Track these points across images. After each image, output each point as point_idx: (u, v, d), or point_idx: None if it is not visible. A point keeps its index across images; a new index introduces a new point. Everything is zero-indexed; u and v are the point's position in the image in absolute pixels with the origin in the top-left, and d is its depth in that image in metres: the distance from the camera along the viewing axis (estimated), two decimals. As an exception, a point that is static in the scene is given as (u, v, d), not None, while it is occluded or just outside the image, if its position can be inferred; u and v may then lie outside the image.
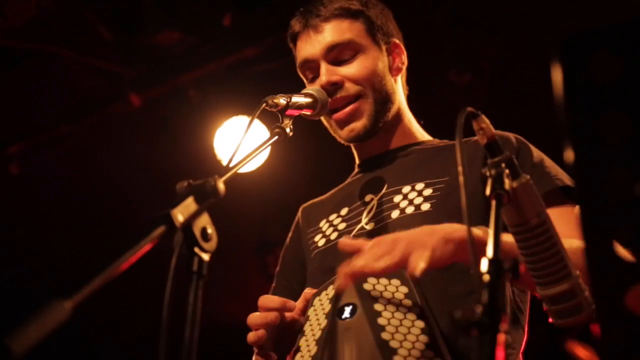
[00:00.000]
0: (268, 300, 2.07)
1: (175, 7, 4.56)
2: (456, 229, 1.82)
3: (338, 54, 2.38)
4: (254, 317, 2.05)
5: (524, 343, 2.20)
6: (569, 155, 1.14)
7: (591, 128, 1.13)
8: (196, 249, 1.51)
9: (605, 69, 1.12)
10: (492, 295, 1.30)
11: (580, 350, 5.40)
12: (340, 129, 2.40)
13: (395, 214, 2.24)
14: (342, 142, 2.47)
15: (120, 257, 1.38)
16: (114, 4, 4.61)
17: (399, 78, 2.51)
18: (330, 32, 2.39)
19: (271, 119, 2.10)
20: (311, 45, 2.41)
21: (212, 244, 1.53)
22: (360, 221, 2.31)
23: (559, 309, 1.64)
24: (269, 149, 2.06)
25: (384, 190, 2.34)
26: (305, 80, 2.49)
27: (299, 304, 2.08)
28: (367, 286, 1.93)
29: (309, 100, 2.23)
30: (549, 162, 2.23)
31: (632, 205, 1.11)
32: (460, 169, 1.52)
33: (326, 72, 2.36)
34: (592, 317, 1.63)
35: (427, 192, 2.25)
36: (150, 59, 4.82)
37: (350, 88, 2.36)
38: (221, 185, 1.59)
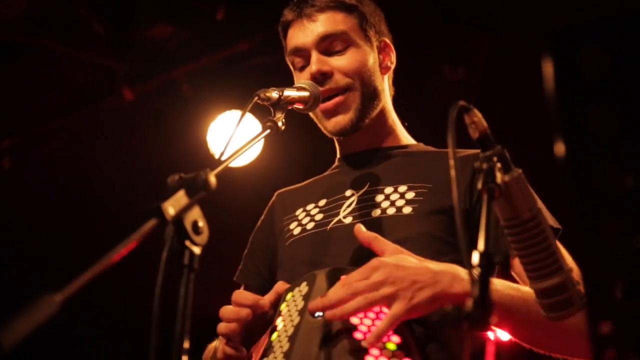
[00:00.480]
0: (241, 296, 2.07)
1: (168, 1, 4.55)
2: (451, 285, 1.86)
3: (330, 44, 2.38)
4: (227, 311, 2.05)
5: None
6: (560, 149, 1.15)
7: (581, 122, 1.13)
8: (187, 243, 1.50)
9: (595, 63, 1.12)
10: (483, 289, 1.30)
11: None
12: (327, 119, 2.39)
13: (375, 212, 2.24)
14: (327, 134, 2.46)
15: (110, 251, 1.38)
16: (107, -2, 4.60)
17: (386, 77, 2.52)
18: (324, 23, 2.39)
19: (265, 113, 2.10)
20: (304, 33, 2.40)
21: (203, 238, 1.53)
22: (338, 214, 2.30)
23: (551, 302, 1.64)
24: (261, 142, 2.06)
25: (365, 188, 2.34)
26: (292, 69, 2.49)
27: (270, 296, 2.07)
28: None
29: (301, 94, 2.22)
30: (540, 204, 2.22)
31: (623, 199, 1.11)
32: (451, 162, 1.52)
33: (317, 61, 2.36)
34: (584, 310, 1.63)
35: (410, 195, 2.25)
36: (143, 53, 4.81)
37: (340, 80, 2.36)
38: (212, 179, 1.59)
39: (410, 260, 1.90)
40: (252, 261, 2.48)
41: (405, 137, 2.53)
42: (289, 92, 2.15)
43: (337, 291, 1.84)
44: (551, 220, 2.12)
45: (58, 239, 5.71)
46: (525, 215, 1.63)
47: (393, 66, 2.53)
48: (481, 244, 1.38)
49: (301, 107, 2.25)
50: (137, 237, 1.42)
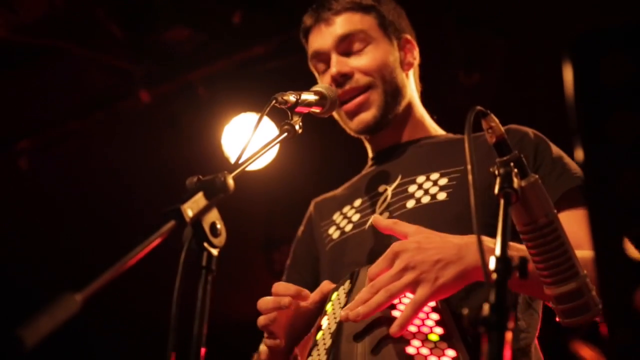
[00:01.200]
0: (282, 286, 2.03)
1: (185, 4, 4.57)
2: (473, 262, 1.80)
3: (348, 45, 2.40)
4: (265, 301, 2.01)
5: (539, 327, 2.20)
6: (579, 155, 1.15)
7: (601, 129, 1.13)
8: (205, 244, 1.51)
9: (616, 69, 1.12)
10: (500, 293, 1.30)
11: (586, 351, 5.40)
12: (350, 120, 2.41)
13: (410, 203, 2.23)
14: (352, 134, 2.47)
15: (129, 252, 1.38)
16: (125, 1, 4.62)
17: (410, 73, 2.52)
18: (341, 24, 2.41)
19: (280, 116, 2.11)
20: (322, 37, 2.43)
21: (221, 239, 1.54)
22: (374, 211, 2.30)
23: (566, 308, 1.64)
24: (277, 146, 2.06)
25: (398, 181, 2.33)
26: (316, 74, 2.51)
27: (315, 295, 2.05)
28: None
29: (318, 97, 2.23)
30: (568, 159, 2.21)
31: (641, 204, 1.11)
32: (469, 167, 1.52)
33: (337, 63, 2.38)
34: (599, 316, 1.63)
35: (443, 181, 2.24)
36: (160, 56, 4.83)
37: (360, 79, 2.37)
38: (230, 181, 1.60)
39: (432, 238, 1.85)
40: (296, 270, 2.49)
41: (434, 129, 2.53)
42: (306, 96, 2.16)
43: (362, 293, 1.82)
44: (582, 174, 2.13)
45: (74, 239, 5.73)
46: (541, 221, 1.63)
47: (416, 62, 2.54)
48: (498, 249, 1.39)
49: (318, 110, 2.26)
50: (156, 238, 1.43)
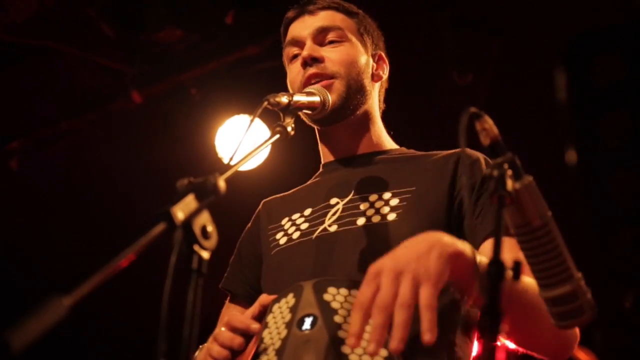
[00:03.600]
0: (236, 319, 2.03)
1: (177, 5, 4.56)
2: (447, 244, 1.71)
3: (325, 37, 2.43)
4: (222, 337, 2.02)
5: (472, 353, 2.18)
6: (571, 156, 1.14)
7: (593, 129, 1.13)
8: (196, 247, 1.50)
9: (608, 70, 1.11)
10: (493, 297, 1.29)
11: (581, 354, 5.39)
12: None
13: (360, 221, 2.22)
14: (308, 121, 2.45)
15: (119, 254, 1.37)
16: (116, 1, 4.60)
17: (377, 85, 2.54)
18: (323, 17, 2.45)
19: (273, 117, 2.09)
20: (303, 26, 2.46)
21: (212, 242, 1.52)
22: (323, 222, 2.29)
23: (561, 311, 1.63)
24: (269, 147, 2.05)
25: (350, 196, 2.32)
26: (286, 64, 2.52)
27: (254, 309, 2.04)
28: (327, 297, 1.89)
29: (311, 99, 2.22)
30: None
31: (635, 207, 1.10)
32: (463, 178, 1.51)
33: (309, 47, 2.40)
34: (593, 319, 1.62)
35: (394, 202, 2.24)
36: (152, 57, 4.82)
37: (329, 67, 2.38)
38: (222, 183, 1.58)
39: (397, 249, 1.74)
40: (239, 269, 2.48)
41: (390, 143, 2.53)
42: (299, 97, 2.15)
43: (375, 323, 1.63)
44: None
45: (65, 240, 5.72)
46: (535, 223, 1.62)
47: (384, 78, 2.56)
48: (491, 253, 1.38)
49: (310, 112, 2.25)
50: (146, 241, 1.42)
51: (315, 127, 2.51)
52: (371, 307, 1.62)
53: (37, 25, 4.55)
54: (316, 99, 2.24)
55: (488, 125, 1.66)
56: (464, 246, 1.73)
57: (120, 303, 5.33)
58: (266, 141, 1.96)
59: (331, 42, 2.42)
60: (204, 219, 1.53)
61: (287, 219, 2.40)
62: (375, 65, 2.52)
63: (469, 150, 2.28)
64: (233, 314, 2.10)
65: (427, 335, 1.57)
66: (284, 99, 2.06)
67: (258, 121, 2.14)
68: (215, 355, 2.02)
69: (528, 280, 1.85)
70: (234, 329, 2.02)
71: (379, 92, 2.56)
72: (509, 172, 1.58)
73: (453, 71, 4.58)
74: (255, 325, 2.01)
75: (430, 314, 1.59)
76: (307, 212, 2.37)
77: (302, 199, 2.46)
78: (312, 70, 2.36)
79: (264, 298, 2.05)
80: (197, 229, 1.50)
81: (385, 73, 2.56)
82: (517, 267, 1.34)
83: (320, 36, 2.43)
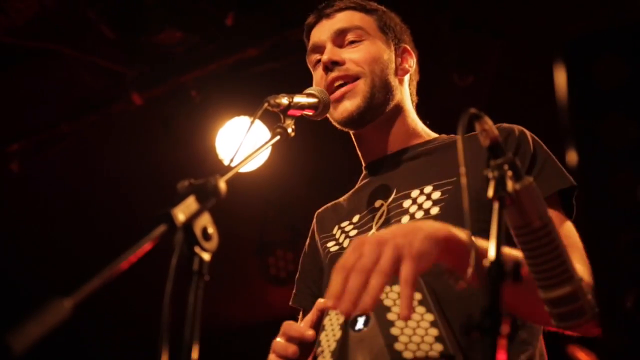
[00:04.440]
0: (290, 328, 2.08)
1: (177, 6, 4.55)
2: (438, 228, 1.73)
3: (344, 38, 2.43)
4: (278, 347, 2.07)
5: (541, 338, 2.19)
6: (572, 158, 1.14)
7: (594, 131, 1.13)
8: (197, 249, 1.50)
9: (609, 71, 1.11)
10: (493, 298, 1.29)
11: (582, 355, 5.40)
12: (334, 109, 2.38)
13: (405, 219, 2.23)
14: (337, 126, 2.45)
15: (120, 256, 1.37)
16: (116, 3, 4.60)
17: (405, 79, 2.52)
18: (341, 19, 2.45)
19: (273, 118, 2.10)
20: (321, 31, 2.46)
21: (213, 244, 1.53)
22: (371, 227, 2.30)
23: (561, 312, 1.63)
24: (270, 148, 2.06)
25: (393, 196, 2.32)
26: (311, 68, 2.51)
27: (312, 315, 2.07)
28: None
29: (311, 100, 2.22)
30: (549, 161, 2.20)
31: (636, 208, 1.10)
32: (462, 169, 1.51)
33: (329, 51, 2.40)
34: (594, 320, 1.62)
35: (436, 195, 2.23)
36: (152, 58, 4.82)
37: (351, 68, 2.37)
38: (222, 185, 1.59)
39: (392, 227, 1.79)
40: (304, 283, 2.50)
41: (427, 133, 2.51)
42: (299, 99, 2.16)
43: (350, 283, 1.64)
44: (561, 178, 2.15)
45: (66, 242, 5.72)
46: (535, 224, 1.62)
47: (412, 70, 2.54)
48: (491, 253, 1.38)
49: (311, 113, 2.25)
50: (147, 242, 1.42)
51: (350, 132, 2.50)
52: (350, 271, 1.62)
53: (38, 28, 4.55)
54: (316, 100, 2.24)
55: (488, 126, 1.66)
56: (459, 231, 1.74)
57: (121, 305, 5.33)
58: (267, 142, 1.96)
59: (351, 42, 2.42)
60: (205, 221, 1.53)
61: (337, 227, 2.42)
62: (400, 59, 2.49)
63: (505, 125, 2.27)
64: (289, 323, 2.11)
65: (405, 311, 1.58)
66: (284, 101, 2.06)
67: (258, 123, 2.13)
68: None
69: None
70: (289, 338, 2.05)
71: (410, 85, 2.54)
72: (509, 173, 1.59)
73: (453, 73, 4.58)
74: (309, 333, 2.03)
75: (408, 290, 1.60)
76: (355, 219, 2.39)
77: (349, 206, 2.47)
78: (333, 74, 2.36)
79: (321, 303, 2.07)
80: (198, 231, 1.51)
81: (412, 65, 2.53)
82: (516, 268, 1.34)
83: (340, 38, 2.42)
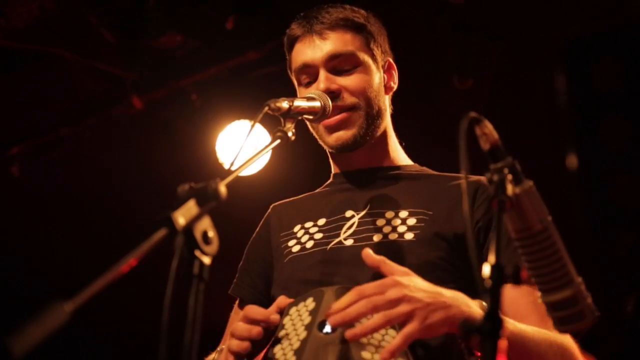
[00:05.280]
0: (253, 311, 2.06)
1: (177, 10, 4.55)
2: (463, 310, 1.86)
3: (338, 64, 2.39)
4: (240, 329, 2.05)
5: None
6: (572, 160, 1.14)
7: (594, 133, 1.13)
8: (197, 252, 1.50)
9: (608, 74, 1.12)
10: (494, 301, 1.29)
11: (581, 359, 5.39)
12: (329, 134, 2.40)
13: (377, 237, 2.25)
14: (327, 149, 2.47)
15: (120, 260, 1.37)
16: (117, 7, 4.60)
17: (387, 98, 2.53)
18: (334, 42, 2.40)
19: (273, 122, 2.09)
20: (312, 50, 2.40)
21: (213, 247, 1.53)
22: (338, 235, 2.30)
23: (562, 316, 1.63)
24: (270, 152, 2.06)
25: (366, 210, 2.34)
26: (297, 85, 2.50)
27: (272, 309, 2.06)
28: None
29: (311, 104, 2.22)
30: None
31: (635, 210, 1.11)
32: (463, 172, 1.51)
33: (325, 80, 2.36)
34: (594, 324, 1.62)
35: (411, 221, 2.26)
36: (153, 62, 4.82)
37: (347, 99, 2.37)
38: (223, 189, 1.59)
39: (422, 283, 1.90)
40: (248, 274, 2.48)
41: (404, 158, 2.54)
42: (299, 103, 2.15)
43: (356, 305, 1.82)
44: None
45: (66, 246, 5.72)
46: (536, 228, 1.62)
47: (395, 87, 2.55)
48: (492, 257, 1.38)
49: (311, 117, 2.25)
50: (147, 246, 1.42)
51: (330, 154, 2.51)
52: (364, 298, 1.81)
53: (38, 31, 4.55)
54: (317, 104, 2.24)
55: (488, 130, 1.66)
56: (477, 311, 1.85)
57: (121, 309, 5.33)
58: (267, 146, 1.96)
59: (346, 70, 2.39)
60: (205, 225, 1.53)
61: (299, 226, 2.41)
62: (386, 76, 2.50)
63: (484, 180, 2.28)
64: (252, 306, 2.11)
65: (386, 354, 1.77)
66: (284, 104, 2.06)
67: (259, 126, 2.14)
68: (235, 349, 2.03)
69: (539, 332, 1.92)
70: (252, 321, 2.04)
71: (389, 100, 2.55)
72: (509, 176, 1.59)
73: (453, 76, 4.58)
74: (275, 316, 2.03)
75: (400, 342, 1.79)
76: (321, 222, 2.38)
77: (314, 207, 2.46)
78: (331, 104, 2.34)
79: (282, 300, 2.07)
80: (198, 235, 1.51)
81: (395, 81, 2.55)
82: (516, 273, 1.34)
83: (333, 63, 2.39)
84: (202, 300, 1.48)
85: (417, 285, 1.86)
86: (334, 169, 2.56)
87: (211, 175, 1.66)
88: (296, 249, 2.34)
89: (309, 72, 2.42)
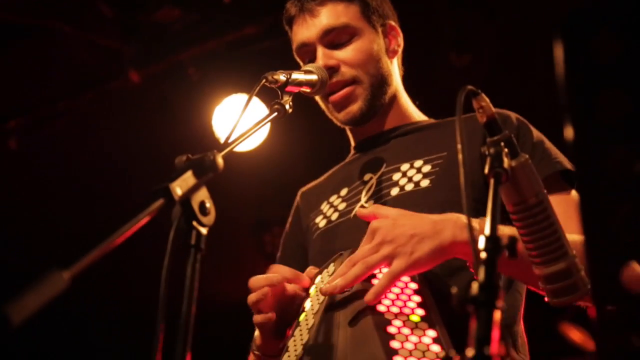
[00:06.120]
0: (278, 267, 2.10)
1: (175, -16, 4.54)
2: (444, 237, 1.87)
3: (334, 37, 2.38)
4: (257, 279, 2.05)
5: (522, 309, 2.23)
6: (569, 133, 1.15)
7: (591, 106, 1.13)
8: (194, 223, 1.50)
9: (606, 46, 1.12)
10: (489, 272, 1.30)
11: (574, 333, 5.43)
12: (337, 111, 2.41)
13: (394, 191, 2.25)
14: (339, 124, 2.47)
15: (118, 229, 1.38)
16: (115, -20, 4.59)
17: (395, 60, 2.51)
18: (326, 16, 2.39)
19: (271, 96, 2.09)
20: (307, 29, 2.40)
21: (210, 218, 1.53)
22: (359, 200, 2.31)
23: (555, 288, 1.64)
24: (268, 126, 2.06)
25: (382, 169, 2.34)
26: (301, 64, 2.49)
27: (301, 280, 2.10)
28: None
29: (309, 77, 2.22)
30: (549, 144, 2.24)
31: (631, 183, 1.11)
32: (459, 146, 1.52)
33: (323, 56, 2.36)
34: (587, 296, 1.64)
35: (426, 168, 2.26)
36: (150, 36, 4.81)
37: (346, 72, 2.36)
38: (220, 160, 1.59)
39: (409, 215, 1.91)
40: (285, 262, 2.47)
41: (417, 114, 2.53)
42: (297, 75, 2.15)
43: (340, 267, 1.89)
44: (563, 160, 2.18)
45: (64, 219, 5.72)
46: (531, 201, 1.63)
47: (401, 48, 2.53)
48: (487, 228, 1.39)
49: (308, 90, 2.25)
50: (145, 216, 1.42)
51: (347, 128, 2.52)
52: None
53: (36, 5, 4.54)
54: (314, 77, 2.24)
55: (485, 103, 1.67)
56: (464, 228, 1.83)
57: (118, 278, 5.35)
58: (264, 118, 1.96)
59: (342, 43, 2.38)
60: (203, 195, 1.54)
61: (325, 202, 2.43)
62: (388, 39, 2.48)
63: (498, 110, 2.28)
64: (276, 265, 2.14)
65: (371, 296, 1.80)
66: (282, 77, 2.06)
67: (256, 100, 2.14)
68: (253, 299, 2.03)
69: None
70: (284, 279, 2.06)
71: (398, 62, 2.53)
72: (505, 150, 1.59)
73: (450, 52, 4.58)
74: (307, 279, 2.08)
75: (385, 282, 1.81)
76: (344, 192, 2.40)
77: (337, 181, 2.48)
78: (331, 80, 2.34)
79: (310, 270, 2.11)
80: (195, 205, 1.51)
81: (399, 43, 2.52)
82: (512, 243, 1.35)
83: (329, 37, 2.38)
84: (199, 271, 1.49)
85: (401, 221, 1.88)
86: (352, 141, 2.57)
87: (208, 148, 1.66)
88: (323, 223, 2.36)
89: (308, 51, 2.42)
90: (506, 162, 1.57)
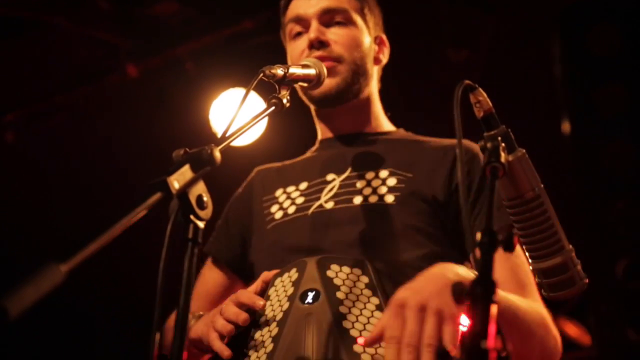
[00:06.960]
0: (244, 295, 2.05)
1: (173, -22, 4.54)
2: (460, 280, 1.80)
3: (330, 18, 2.43)
4: (229, 312, 2.02)
5: None
6: (565, 126, 1.15)
7: (588, 99, 1.14)
8: (192, 217, 1.51)
9: (603, 40, 1.12)
10: (486, 266, 1.31)
11: (571, 327, 5.43)
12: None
13: (357, 199, 2.25)
14: (310, 103, 2.47)
15: (115, 222, 1.38)
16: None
17: (376, 69, 2.55)
18: None
19: (268, 90, 2.09)
20: (307, 4, 2.44)
21: (207, 212, 1.53)
22: (319, 198, 2.31)
23: (552, 282, 1.65)
24: (265, 120, 2.06)
25: (347, 173, 2.34)
26: (286, 37, 2.52)
27: (257, 285, 2.09)
28: (330, 273, 1.96)
29: (306, 71, 2.22)
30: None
31: (628, 176, 1.12)
32: (458, 139, 1.52)
33: (316, 29, 2.39)
34: (583, 290, 1.64)
35: (391, 181, 2.26)
36: (148, 30, 4.80)
37: (335, 49, 2.39)
38: (217, 154, 1.59)
39: (416, 281, 1.78)
40: (225, 234, 2.50)
41: (387, 124, 2.56)
42: (294, 70, 2.15)
43: (389, 353, 1.65)
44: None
45: (60, 213, 5.72)
46: (528, 195, 1.63)
47: (385, 61, 2.57)
48: (484, 222, 1.39)
49: (306, 85, 2.25)
50: (142, 210, 1.42)
51: (313, 107, 2.51)
52: (401, 341, 1.63)
53: (33, -1, 4.53)
54: (312, 71, 2.24)
55: (482, 98, 1.67)
56: (469, 275, 1.80)
57: (115, 272, 5.35)
58: (262, 113, 1.95)
59: (337, 23, 2.42)
60: (200, 189, 1.54)
61: (281, 190, 2.42)
62: (377, 48, 2.53)
63: (467, 143, 2.28)
64: (242, 291, 2.09)
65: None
66: (279, 71, 2.05)
67: (253, 94, 2.13)
68: (219, 329, 2.02)
69: (523, 302, 1.92)
70: (240, 304, 2.03)
71: (378, 74, 2.57)
72: (502, 144, 1.60)
73: (447, 47, 4.57)
74: (261, 302, 2.02)
75: (454, 350, 1.64)
76: (303, 186, 2.39)
77: (298, 171, 2.47)
78: (318, 53, 2.37)
79: (266, 275, 2.09)
80: (192, 199, 1.51)
81: (385, 56, 2.57)
82: (509, 238, 1.35)
83: (326, 17, 2.42)
84: (196, 264, 1.49)
85: (415, 286, 1.74)
86: (319, 135, 2.58)
87: (206, 142, 1.66)
88: (279, 215, 2.35)
89: (302, 24, 2.45)
90: (503, 156, 1.57)
